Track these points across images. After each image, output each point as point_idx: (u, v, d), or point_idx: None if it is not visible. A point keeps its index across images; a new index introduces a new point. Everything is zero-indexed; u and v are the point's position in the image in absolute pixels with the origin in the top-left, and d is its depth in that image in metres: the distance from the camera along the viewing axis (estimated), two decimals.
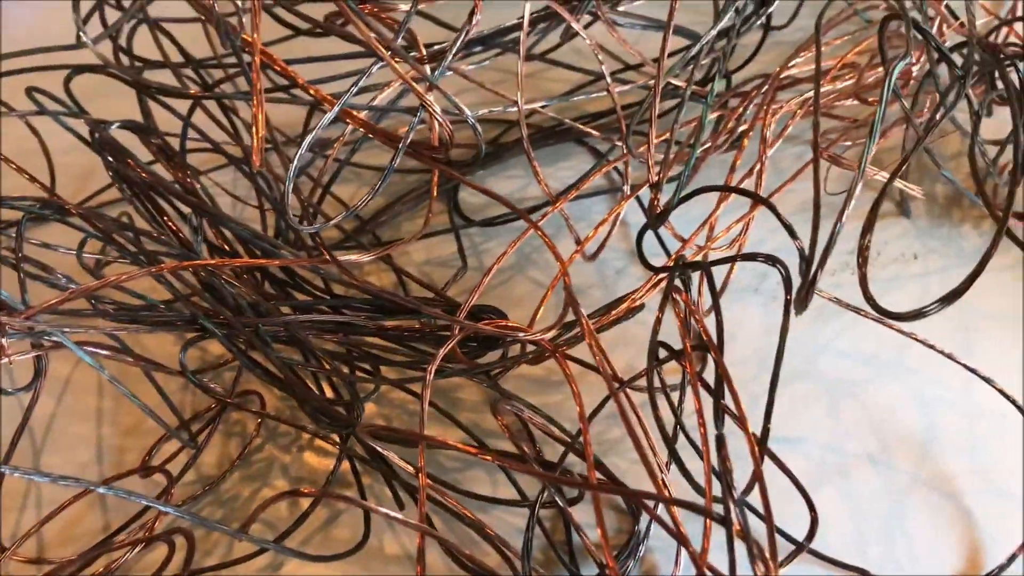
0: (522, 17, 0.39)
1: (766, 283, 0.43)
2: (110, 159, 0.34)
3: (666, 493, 0.30)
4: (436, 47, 0.34)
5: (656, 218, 0.33)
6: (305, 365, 0.35)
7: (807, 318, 0.33)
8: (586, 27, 0.42)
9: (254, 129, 0.27)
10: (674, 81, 0.43)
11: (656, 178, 0.33)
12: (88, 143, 0.36)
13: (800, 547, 0.34)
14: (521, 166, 0.49)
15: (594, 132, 0.42)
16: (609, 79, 0.39)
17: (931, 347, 0.36)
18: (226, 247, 0.38)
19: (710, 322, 0.32)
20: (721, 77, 0.47)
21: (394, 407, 0.40)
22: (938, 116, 0.34)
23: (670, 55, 0.43)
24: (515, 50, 0.43)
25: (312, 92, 0.30)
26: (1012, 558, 0.35)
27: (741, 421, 0.28)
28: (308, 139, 0.30)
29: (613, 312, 0.34)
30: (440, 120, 0.32)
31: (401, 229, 0.47)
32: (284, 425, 0.39)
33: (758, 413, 0.32)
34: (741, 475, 0.30)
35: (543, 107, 0.41)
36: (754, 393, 0.37)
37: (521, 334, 0.32)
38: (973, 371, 0.36)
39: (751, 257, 0.32)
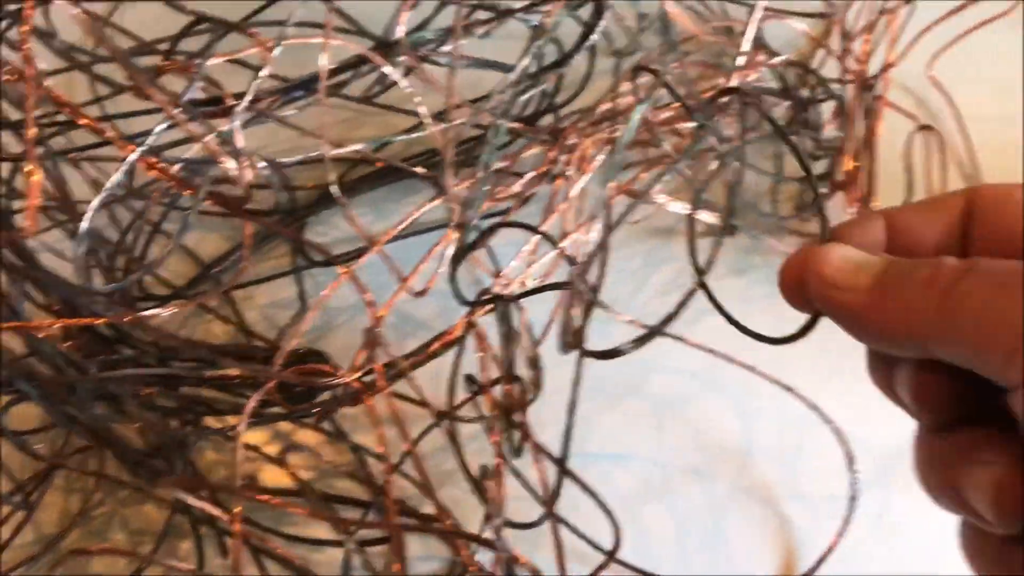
0: (344, 60, 0.40)
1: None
2: None
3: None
4: (231, 103, 0.34)
5: (453, 259, 0.34)
6: (120, 420, 0.35)
7: None
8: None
9: (28, 195, 0.27)
10: (503, 120, 0.44)
11: (461, 219, 0.34)
12: None
13: (609, 557, 0.35)
14: (368, 203, 0.50)
15: (419, 170, 0.43)
16: (429, 118, 0.40)
17: (734, 361, 0.38)
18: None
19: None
20: (548, 110, 0.49)
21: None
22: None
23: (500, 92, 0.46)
24: (339, 94, 0.44)
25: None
26: (822, 560, 0.37)
27: (535, 449, 0.29)
28: (97, 200, 0.30)
29: (430, 348, 0.35)
30: (236, 173, 0.32)
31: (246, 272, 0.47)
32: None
33: (590, 435, 0.33)
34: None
35: (353, 150, 0.41)
36: (584, 414, 0.38)
37: (332, 378, 0.33)
38: (776, 381, 0.38)
39: (546, 288, 0.33)
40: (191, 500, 0.31)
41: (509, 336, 0.33)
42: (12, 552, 0.37)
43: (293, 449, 0.40)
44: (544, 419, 0.40)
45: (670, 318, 0.29)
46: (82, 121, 0.32)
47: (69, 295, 0.35)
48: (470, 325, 0.33)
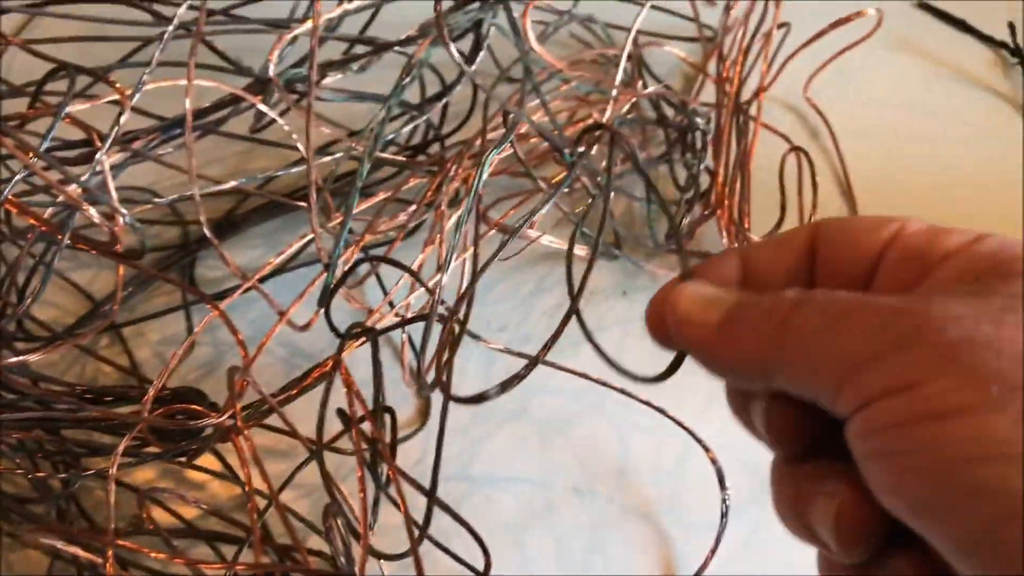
0: (225, 97, 0.41)
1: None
2: None
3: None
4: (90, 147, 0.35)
5: (321, 296, 0.35)
6: None
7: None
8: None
9: None
10: (380, 154, 0.45)
11: (327, 259, 0.35)
12: None
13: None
14: (260, 235, 0.50)
15: (301, 204, 0.43)
16: (304, 153, 0.41)
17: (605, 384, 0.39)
18: None
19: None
20: (433, 140, 0.50)
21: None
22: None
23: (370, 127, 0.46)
24: (217, 131, 0.45)
25: None
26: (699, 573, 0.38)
27: (396, 481, 0.30)
28: None
29: (301, 383, 0.36)
30: (98, 219, 0.33)
31: (136, 310, 0.48)
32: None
33: (475, 459, 0.34)
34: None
35: (232, 186, 0.42)
36: (475, 437, 0.39)
37: (205, 420, 0.33)
38: (648, 404, 0.39)
39: (411, 321, 0.34)
40: (59, 545, 0.31)
41: (377, 369, 0.34)
42: None
43: (185, 485, 0.41)
44: (429, 447, 0.41)
45: (534, 362, 0.30)
46: None
47: None
48: (337, 359, 0.33)
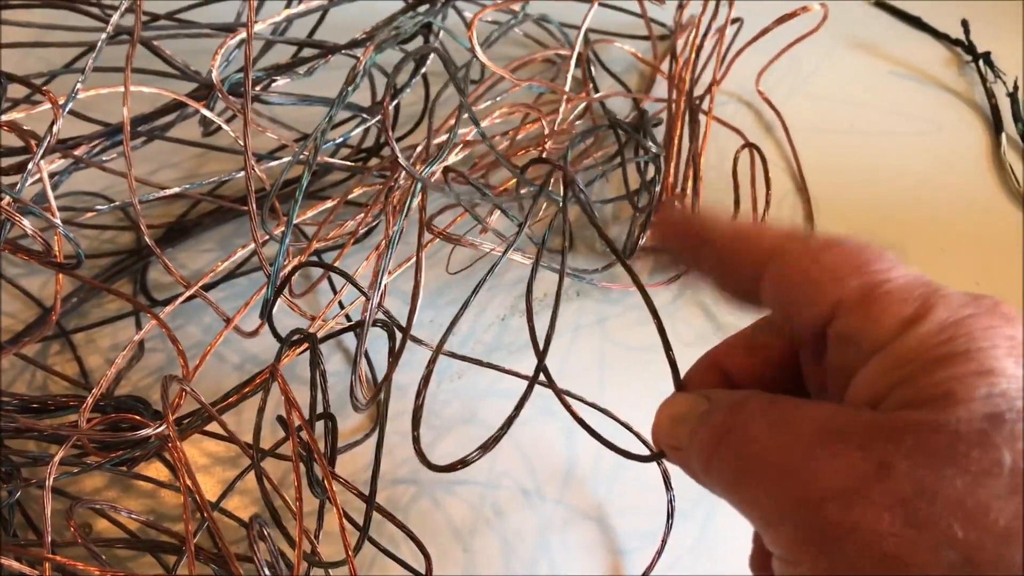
0: (169, 102, 0.41)
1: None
2: None
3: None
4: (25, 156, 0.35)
5: (263, 305, 0.34)
6: None
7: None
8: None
9: None
10: (327, 159, 0.45)
11: (269, 270, 0.35)
12: None
13: None
14: (213, 240, 0.50)
15: (245, 209, 0.43)
16: (253, 160, 0.41)
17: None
18: None
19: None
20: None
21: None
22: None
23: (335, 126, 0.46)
24: (164, 136, 0.44)
25: None
26: (661, 548, 0.38)
27: (329, 487, 0.30)
28: None
29: (241, 391, 0.36)
30: (30, 230, 0.32)
31: (89, 316, 0.47)
32: None
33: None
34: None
35: (175, 192, 0.41)
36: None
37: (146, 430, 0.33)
38: (595, 406, 0.39)
39: (349, 329, 0.33)
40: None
41: (314, 374, 0.34)
42: None
43: (134, 493, 0.41)
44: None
45: (509, 422, 0.30)
46: None
47: None
48: (275, 367, 0.33)
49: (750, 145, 0.48)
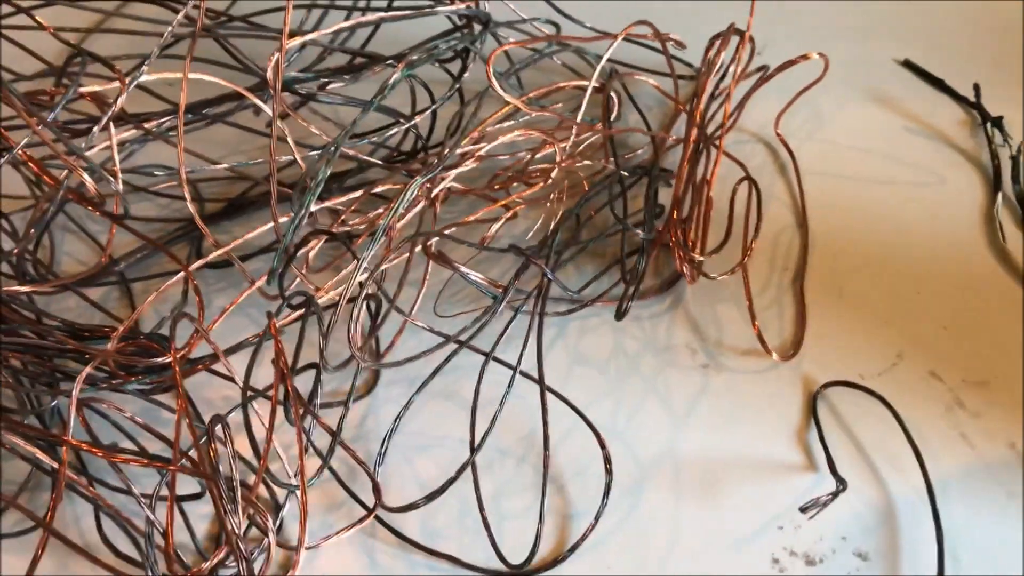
0: (228, 92, 0.48)
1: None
2: None
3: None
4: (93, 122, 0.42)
5: (272, 271, 0.41)
6: None
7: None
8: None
9: None
10: (360, 155, 0.51)
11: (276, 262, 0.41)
12: None
13: (369, 512, 0.41)
14: (265, 218, 0.57)
15: (288, 191, 0.49)
16: (271, 150, 0.47)
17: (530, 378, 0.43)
18: None
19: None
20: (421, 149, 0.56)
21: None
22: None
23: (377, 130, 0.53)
24: (225, 120, 0.51)
25: None
26: (575, 545, 0.42)
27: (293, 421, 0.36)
28: None
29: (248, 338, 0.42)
30: (88, 182, 0.39)
31: (150, 269, 0.55)
32: None
33: (405, 426, 0.44)
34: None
35: (226, 168, 0.48)
36: (411, 410, 0.45)
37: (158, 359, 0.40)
38: (555, 393, 0.44)
39: (353, 299, 0.39)
40: (18, 442, 0.37)
41: (303, 330, 0.40)
42: None
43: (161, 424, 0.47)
44: (372, 411, 0.47)
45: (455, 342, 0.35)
46: None
47: None
48: (271, 316, 0.39)
49: (748, 179, 0.52)
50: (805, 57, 0.51)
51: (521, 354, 0.45)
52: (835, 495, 0.41)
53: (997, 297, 0.50)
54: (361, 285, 0.41)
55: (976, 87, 0.58)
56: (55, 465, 0.40)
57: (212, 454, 0.35)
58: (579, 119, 0.51)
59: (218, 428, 0.36)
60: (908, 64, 0.62)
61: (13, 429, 0.38)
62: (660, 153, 0.55)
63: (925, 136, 0.58)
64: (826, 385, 0.47)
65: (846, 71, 0.61)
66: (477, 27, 0.53)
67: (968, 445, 0.46)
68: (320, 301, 0.43)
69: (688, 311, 0.51)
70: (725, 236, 0.51)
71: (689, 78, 0.60)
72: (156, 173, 0.48)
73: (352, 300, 0.42)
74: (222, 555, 0.35)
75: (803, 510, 0.41)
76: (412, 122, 0.51)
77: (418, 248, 0.43)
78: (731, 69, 0.55)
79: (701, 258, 0.49)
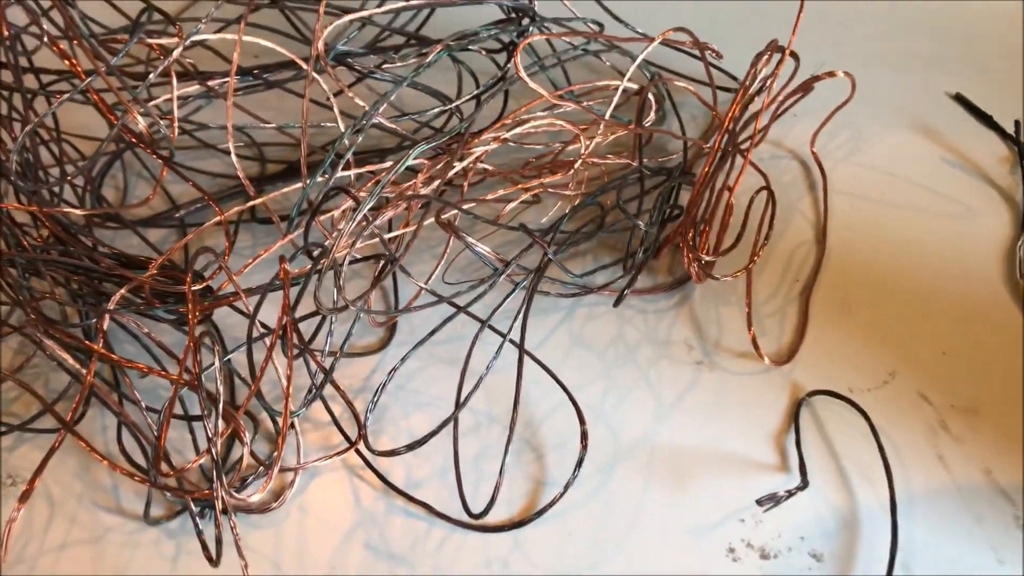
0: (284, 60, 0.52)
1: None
2: None
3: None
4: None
5: (291, 218, 0.45)
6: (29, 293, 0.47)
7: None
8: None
9: None
10: (395, 128, 0.55)
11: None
12: None
13: (351, 444, 0.45)
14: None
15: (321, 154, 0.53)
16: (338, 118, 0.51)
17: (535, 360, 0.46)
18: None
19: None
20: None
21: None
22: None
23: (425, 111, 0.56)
24: (282, 86, 0.56)
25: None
26: (542, 510, 0.45)
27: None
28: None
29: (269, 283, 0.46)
30: (141, 124, 0.44)
31: (208, 218, 0.59)
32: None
33: (407, 382, 0.48)
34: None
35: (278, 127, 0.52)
36: (412, 368, 0.48)
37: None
38: (548, 370, 0.47)
39: (368, 258, 0.43)
40: (54, 347, 0.42)
41: (309, 276, 0.44)
42: None
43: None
44: (383, 365, 0.50)
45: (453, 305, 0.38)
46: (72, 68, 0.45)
47: (23, 190, 0.48)
48: (283, 260, 0.43)
49: (768, 189, 0.53)
50: (831, 74, 0.53)
51: (512, 324, 0.48)
52: (792, 493, 0.43)
53: (1002, 330, 0.51)
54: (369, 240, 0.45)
55: (1016, 124, 0.58)
56: (84, 372, 0.44)
57: (197, 368, 0.39)
58: (608, 115, 0.53)
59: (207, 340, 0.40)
60: (959, 98, 0.62)
61: (52, 336, 0.42)
62: (692, 158, 0.57)
63: (962, 169, 0.58)
64: (812, 393, 0.48)
65: (895, 98, 0.62)
66: (525, 20, 0.56)
67: (944, 467, 0.46)
68: (334, 254, 0.47)
69: (693, 310, 0.53)
70: (735, 240, 0.52)
71: (732, 91, 0.62)
72: (210, 126, 0.53)
73: (367, 259, 0.46)
74: (200, 459, 0.39)
75: (759, 503, 0.43)
76: (453, 104, 0.55)
77: (431, 219, 0.46)
78: (768, 83, 0.56)
79: (708, 259, 0.51)
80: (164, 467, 0.41)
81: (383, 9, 0.52)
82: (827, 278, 0.54)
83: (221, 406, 0.39)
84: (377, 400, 0.48)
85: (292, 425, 0.46)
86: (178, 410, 0.46)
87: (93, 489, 0.47)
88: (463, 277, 0.54)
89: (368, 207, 0.43)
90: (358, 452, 0.46)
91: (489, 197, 0.53)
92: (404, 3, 0.54)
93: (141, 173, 0.62)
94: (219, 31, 0.48)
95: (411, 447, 0.46)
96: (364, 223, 0.45)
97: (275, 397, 0.49)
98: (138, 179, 0.62)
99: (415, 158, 0.47)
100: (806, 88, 0.54)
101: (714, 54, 0.57)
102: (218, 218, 0.48)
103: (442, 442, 0.47)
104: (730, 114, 0.54)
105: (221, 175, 0.62)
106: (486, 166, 0.54)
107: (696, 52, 0.56)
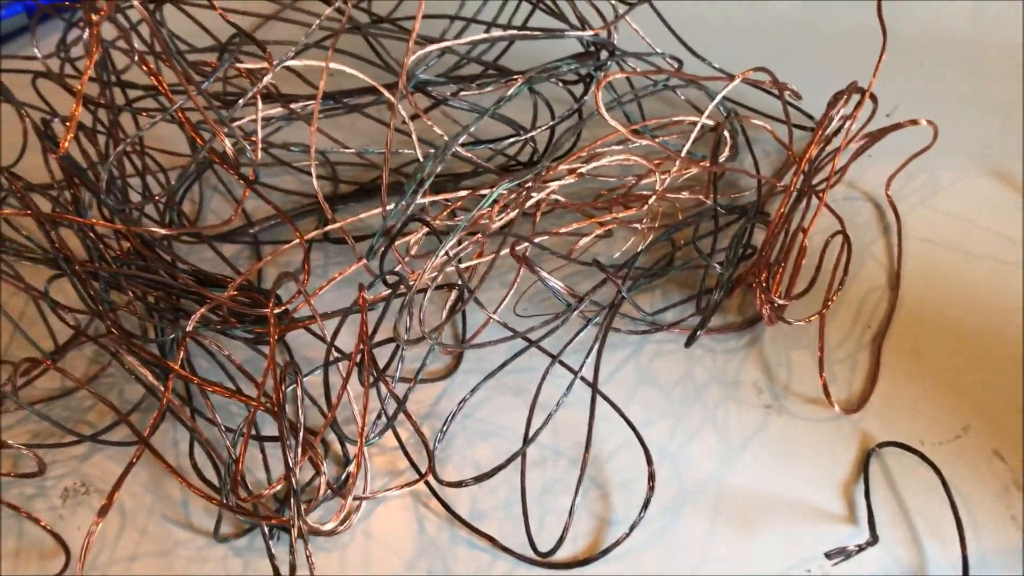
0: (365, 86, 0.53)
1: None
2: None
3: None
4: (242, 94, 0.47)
5: (368, 255, 0.45)
6: (110, 304, 0.48)
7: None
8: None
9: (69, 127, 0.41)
10: (474, 158, 0.55)
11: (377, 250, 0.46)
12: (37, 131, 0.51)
13: (421, 476, 0.45)
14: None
15: (403, 178, 0.54)
16: (387, 143, 0.51)
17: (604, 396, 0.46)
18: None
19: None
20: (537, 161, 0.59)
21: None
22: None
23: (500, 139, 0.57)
24: (360, 111, 0.57)
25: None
26: (607, 549, 0.45)
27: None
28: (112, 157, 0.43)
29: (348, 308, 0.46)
30: (228, 146, 0.45)
31: (281, 235, 0.60)
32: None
33: (474, 411, 0.49)
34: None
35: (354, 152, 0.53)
36: (480, 399, 0.49)
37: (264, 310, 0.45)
38: (614, 406, 0.46)
39: (441, 287, 0.43)
40: (134, 363, 0.43)
41: (386, 306, 0.44)
42: (37, 391, 0.52)
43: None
44: (450, 391, 0.50)
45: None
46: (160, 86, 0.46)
47: (113, 209, 0.49)
48: (362, 288, 0.44)
49: (843, 233, 0.53)
50: (914, 122, 0.52)
51: (585, 360, 0.48)
52: (862, 548, 0.42)
53: None
54: (444, 269, 0.45)
55: None
56: (161, 388, 0.45)
57: (279, 395, 0.39)
58: (685, 152, 0.53)
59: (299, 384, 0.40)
60: None
61: (133, 351, 0.43)
62: (766, 197, 0.57)
63: None
64: (882, 444, 0.48)
65: (974, 142, 0.61)
66: (604, 54, 0.56)
67: (1017, 528, 0.45)
68: (413, 284, 0.47)
69: (763, 352, 0.53)
70: (809, 284, 0.52)
71: (809, 129, 0.62)
72: (292, 148, 0.53)
73: (440, 288, 0.46)
74: (278, 486, 0.40)
75: (828, 556, 0.42)
76: (529, 134, 0.55)
77: (506, 250, 0.47)
78: (846, 125, 0.56)
79: (781, 301, 0.51)
80: (241, 492, 0.41)
81: (466, 40, 0.53)
82: (900, 325, 0.53)
83: (302, 435, 0.39)
84: (446, 430, 0.48)
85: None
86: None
87: (163, 502, 0.48)
88: (530, 306, 0.54)
89: (450, 244, 0.43)
90: (427, 483, 0.46)
91: (563, 230, 0.53)
92: (486, 35, 0.55)
93: (216, 187, 0.63)
94: (298, 52, 0.49)
95: (479, 479, 0.46)
96: (445, 259, 0.45)
97: (343, 419, 0.50)
98: (213, 192, 0.64)
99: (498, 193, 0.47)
100: (885, 132, 0.53)
101: (793, 95, 0.57)
102: (296, 241, 0.49)
103: (507, 474, 0.47)
104: (807, 155, 0.54)
105: (294, 192, 0.63)
106: (558, 197, 0.55)
107: (775, 91, 0.56)
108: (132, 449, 0.48)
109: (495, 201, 0.56)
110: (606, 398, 0.49)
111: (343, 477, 0.47)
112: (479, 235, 0.48)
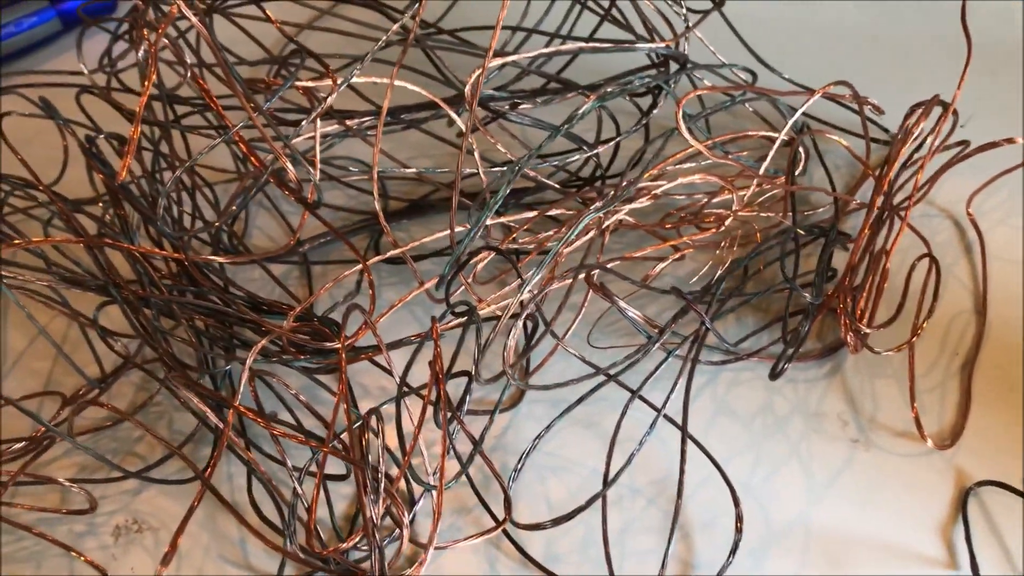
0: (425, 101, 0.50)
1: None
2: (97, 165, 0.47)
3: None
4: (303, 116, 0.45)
5: (440, 280, 0.43)
6: (163, 333, 0.46)
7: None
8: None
9: (126, 153, 0.38)
10: (540, 178, 0.52)
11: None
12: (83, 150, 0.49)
13: (498, 524, 0.43)
14: (443, 222, 0.59)
15: (468, 202, 0.51)
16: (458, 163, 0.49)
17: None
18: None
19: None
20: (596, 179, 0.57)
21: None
22: None
23: (559, 153, 0.54)
24: (418, 127, 0.54)
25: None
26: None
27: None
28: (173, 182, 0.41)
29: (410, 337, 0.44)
30: (291, 172, 0.42)
31: (330, 255, 0.58)
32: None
33: (545, 445, 0.47)
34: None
35: (414, 171, 0.51)
36: (552, 432, 0.46)
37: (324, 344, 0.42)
38: (697, 443, 0.44)
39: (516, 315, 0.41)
40: (191, 397, 0.41)
41: (462, 337, 0.42)
42: (84, 421, 0.49)
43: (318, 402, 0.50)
44: (516, 424, 0.48)
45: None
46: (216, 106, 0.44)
47: (171, 237, 0.47)
48: (434, 320, 0.41)
49: (930, 256, 0.50)
50: (1011, 141, 0.49)
51: (668, 397, 0.45)
52: None
53: None
54: (522, 304, 0.43)
55: None
56: (219, 425, 0.43)
57: (363, 442, 0.37)
58: (762, 170, 0.50)
59: (372, 420, 0.38)
60: None
61: (188, 385, 0.41)
62: (841, 215, 0.54)
63: None
64: (981, 483, 0.45)
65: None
66: (674, 66, 0.53)
67: None
68: (481, 313, 0.44)
69: (846, 381, 0.50)
70: (896, 312, 0.49)
71: (883, 143, 0.59)
72: (351, 168, 0.51)
73: (513, 317, 0.44)
74: (357, 539, 0.37)
75: None
76: (595, 151, 0.52)
77: (581, 276, 0.44)
78: (928, 140, 0.53)
79: (868, 330, 0.48)
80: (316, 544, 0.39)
81: (532, 54, 0.50)
82: (990, 353, 0.50)
83: (383, 486, 0.37)
84: (520, 468, 0.46)
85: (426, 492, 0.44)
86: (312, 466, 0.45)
87: (220, 541, 0.46)
88: (598, 332, 0.51)
89: (532, 284, 0.41)
90: (504, 531, 0.44)
91: (637, 254, 0.50)
92: (553, 48, 0.52)
93: (262, 202, 0.61)
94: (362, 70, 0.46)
95: (556, 522, 0.43)
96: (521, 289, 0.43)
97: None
98: (259, 208, 0.61)
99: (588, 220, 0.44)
100: (982, 149, 0.51)
101: (874, 109, 0.54)
102: (359, 266, 0.47)
103: (583, 513, 0.44)
104: (889, 173, 0.51)
105: (343, 208, 0.60)
106: (627, 218, 0.52)
107: (854, 105, 0.53)
108: (185, 487, 0.45)
109: (561, 220, 0.54)
110: (696, 442, 0.46)
111: (410, 518, 0.44)
112: (567, 277, 0.45)
